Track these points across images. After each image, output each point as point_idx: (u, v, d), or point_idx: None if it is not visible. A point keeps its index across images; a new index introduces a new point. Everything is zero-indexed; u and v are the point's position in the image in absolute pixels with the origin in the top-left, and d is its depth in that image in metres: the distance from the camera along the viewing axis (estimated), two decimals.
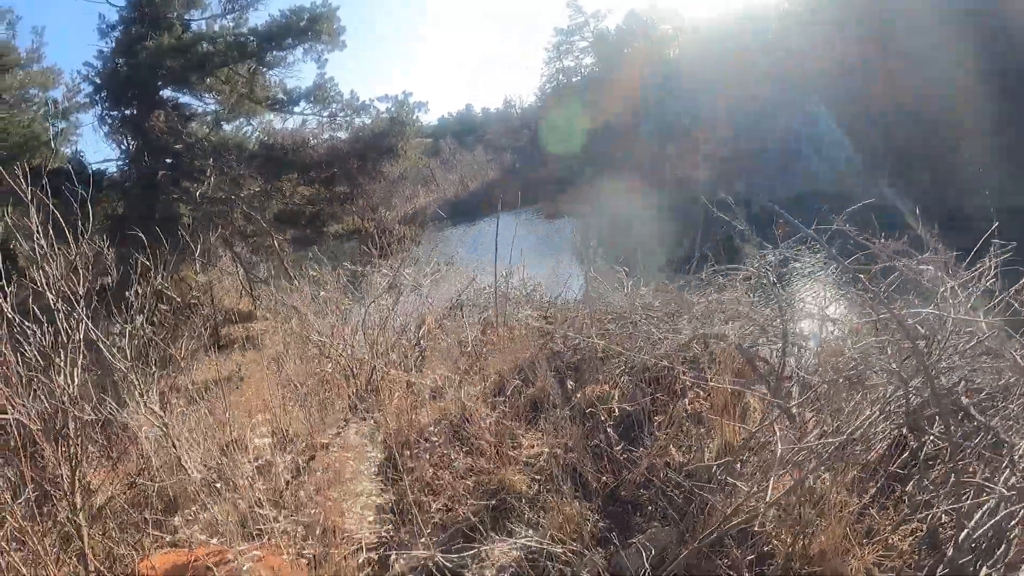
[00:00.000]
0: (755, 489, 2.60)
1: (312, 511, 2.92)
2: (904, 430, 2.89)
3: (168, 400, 3.95)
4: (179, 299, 14.25)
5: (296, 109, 16.60)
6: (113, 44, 14.60)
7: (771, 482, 2.55)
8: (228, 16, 14.47)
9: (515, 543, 2.65)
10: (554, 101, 38.78)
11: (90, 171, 15.06)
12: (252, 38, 14.00)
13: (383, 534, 2.94)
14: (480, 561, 2.60)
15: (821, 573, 2.44)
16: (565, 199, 35.88)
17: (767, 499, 2.54)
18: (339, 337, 5.26)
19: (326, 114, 16.11)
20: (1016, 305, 3.01)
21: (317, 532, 2.83)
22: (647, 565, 2.49)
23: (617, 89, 38.11)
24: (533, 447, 3.60)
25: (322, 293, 7.55)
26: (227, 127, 15.81)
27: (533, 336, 5.32)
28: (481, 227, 38.81)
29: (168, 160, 14.03)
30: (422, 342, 5.52)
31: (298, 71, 15.49)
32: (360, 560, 2.73)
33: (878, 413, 2.84)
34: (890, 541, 2.57)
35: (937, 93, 25.92)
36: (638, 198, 31.71)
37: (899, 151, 27.92)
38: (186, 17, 14.20)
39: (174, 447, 3.41)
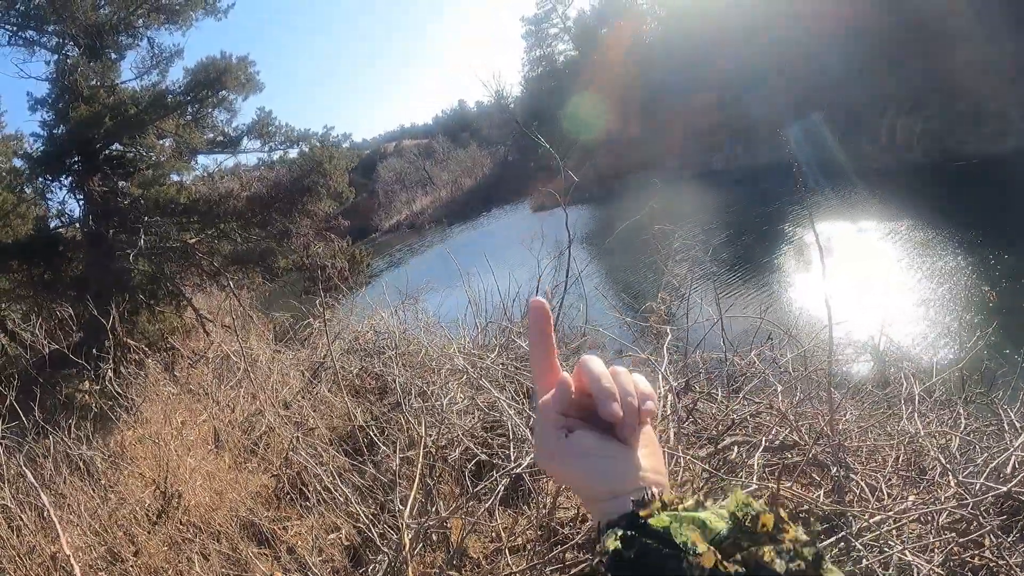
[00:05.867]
0: None
1: None
2: None
3: None
4: (145, 349, 14.93)
5: (241, 146, 17.18)
6: (52, 116, 15.30)
7: None
8: (152, 73, 15.03)
9: None
10: (537, 89, 38.56)
11: (52, 236, 15.92)
12: (170, 95, 14.52)
13: None
14: None
15: None
16: (551, 189, 35.61)
17: None
18: None
19: (267, 148, 16.65)
20: None
21: None
22: None
23: (598, 70, 37.61)
24: None
25: None
26: (174, 176, 16.44)
27: None
28: (475, 226, 38.96)
29: (114, 219, 14.68)
30: None
31: (237, 109, 15.95)
32: None
33: None
34: None
35: None
36: (621, 182, 31.38)
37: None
38: (107, 83, 14.73)
39: None
